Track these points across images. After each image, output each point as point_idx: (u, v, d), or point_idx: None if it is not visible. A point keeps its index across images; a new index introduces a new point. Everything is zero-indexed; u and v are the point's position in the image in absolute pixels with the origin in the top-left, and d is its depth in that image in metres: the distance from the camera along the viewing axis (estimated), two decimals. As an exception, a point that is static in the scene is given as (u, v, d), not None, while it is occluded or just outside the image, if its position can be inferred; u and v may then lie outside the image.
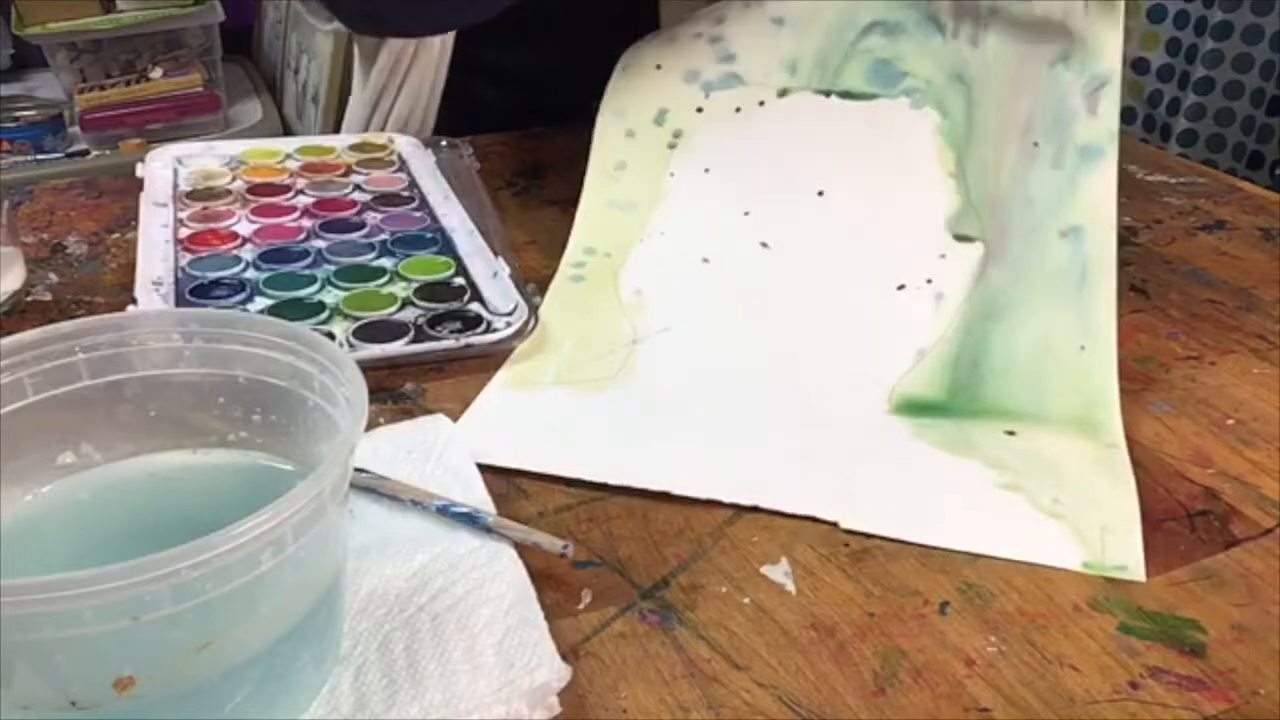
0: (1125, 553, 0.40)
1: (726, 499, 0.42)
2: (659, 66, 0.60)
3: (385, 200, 0.67)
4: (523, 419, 0.47)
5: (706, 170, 0.59)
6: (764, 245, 0.56)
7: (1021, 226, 0.50)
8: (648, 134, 0.60)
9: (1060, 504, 0.43)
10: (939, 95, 0.56)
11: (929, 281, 0.53)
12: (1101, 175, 0.49)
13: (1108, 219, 0.49)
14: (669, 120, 0.60)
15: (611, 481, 0.43)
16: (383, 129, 0.86)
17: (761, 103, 0.59)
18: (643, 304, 0.55)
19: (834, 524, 0.41)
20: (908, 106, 0.56)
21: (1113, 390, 0.47)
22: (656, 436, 0.47)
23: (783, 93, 0.58)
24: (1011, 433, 0.47)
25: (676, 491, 0.43)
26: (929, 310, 0.52)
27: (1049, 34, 0.51)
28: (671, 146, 0.59)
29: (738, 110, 0.59)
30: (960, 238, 0.53)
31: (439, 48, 0.83)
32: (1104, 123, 0.50)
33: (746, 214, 0.57)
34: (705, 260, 0.56)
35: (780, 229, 0.56)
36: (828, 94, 0.58)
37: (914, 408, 0.49)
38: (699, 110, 0.59)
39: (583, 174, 0.65)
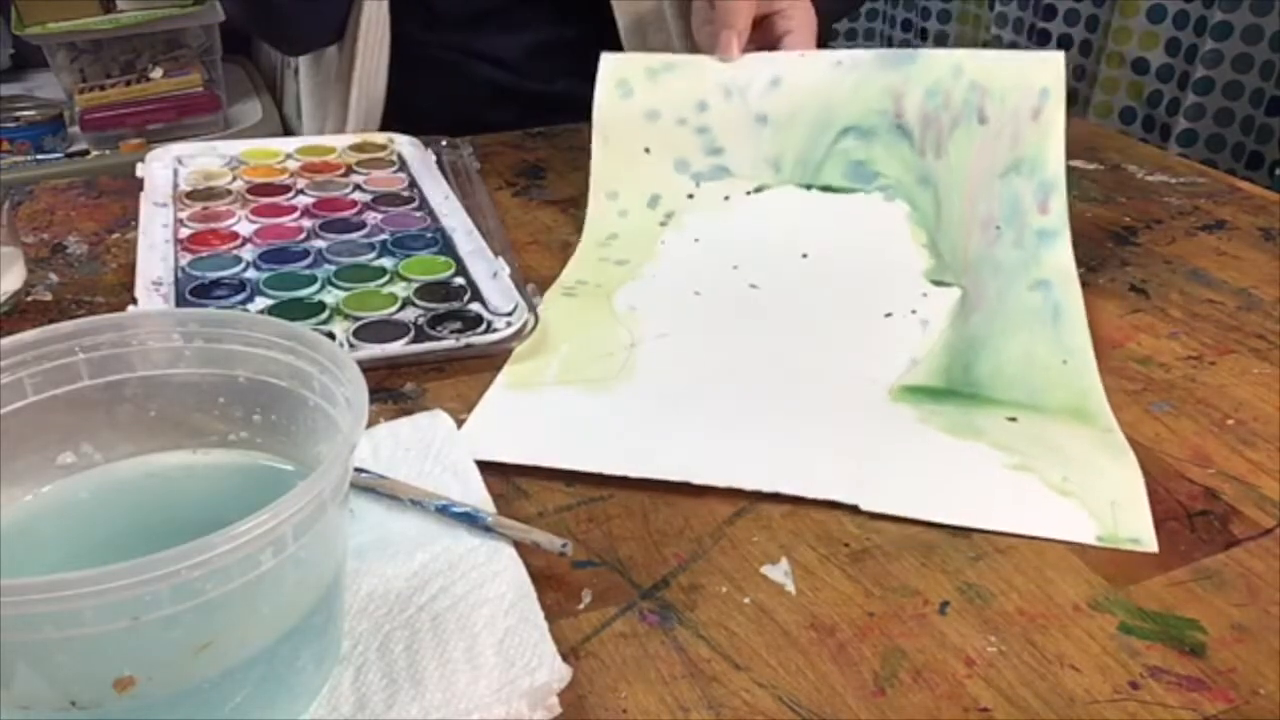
0: (1137, 526, 0.41)
1: (744, 487, 0.43)
2: (648, 150, 0.64)
3: (385, 200, 0.67)
4: (528, 418, 0.47)
5: (696, 240, 0.63)
6: (754, 286, 0.59)
7: (993, 283, 0.55)
8: (640, 214, 0.64)
9: (1070, 481, 0.43)
10: (909, 192, 0.62)
11: (914, 311, 0.56)
12: (1061, 248, 0.55)
13: (1071, 273, 0.54)
14: (661, 204, 0.64)
15: (628, 474, 0.43)
16: (343, 121, 0.87)
17: (748, 192, 0.64)
18: (637, 317, 0.56)
19: (854, 507, 0.42)
20: (881, 199, 0.62)
21: (1099, 391, 0.49)
22: (666, 429, 0.47)
23: (768, 186, 0.64)
24: (1013, 419, 0.48)
25: (695, 481, 0.43)
26: (917, 332, 0.55)
27: (1001, 147, 0.58)
28: (663, 224, 0.64)
29: (726, 198, 0.64)
30: (938, 283, 0.58)
31: (377, 48, 0.85)
32: (1056, 215, 0.56)
33: (735, 268, 0.61)
34: (696, 293, 0.59)
35: (768, 276, 0.60)
36: (809, 188, 0.64)
37: (915, 394, 0.50)
38: (690, 196, 0.64)
39: (583, 173, 0.65)
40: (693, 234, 0.63)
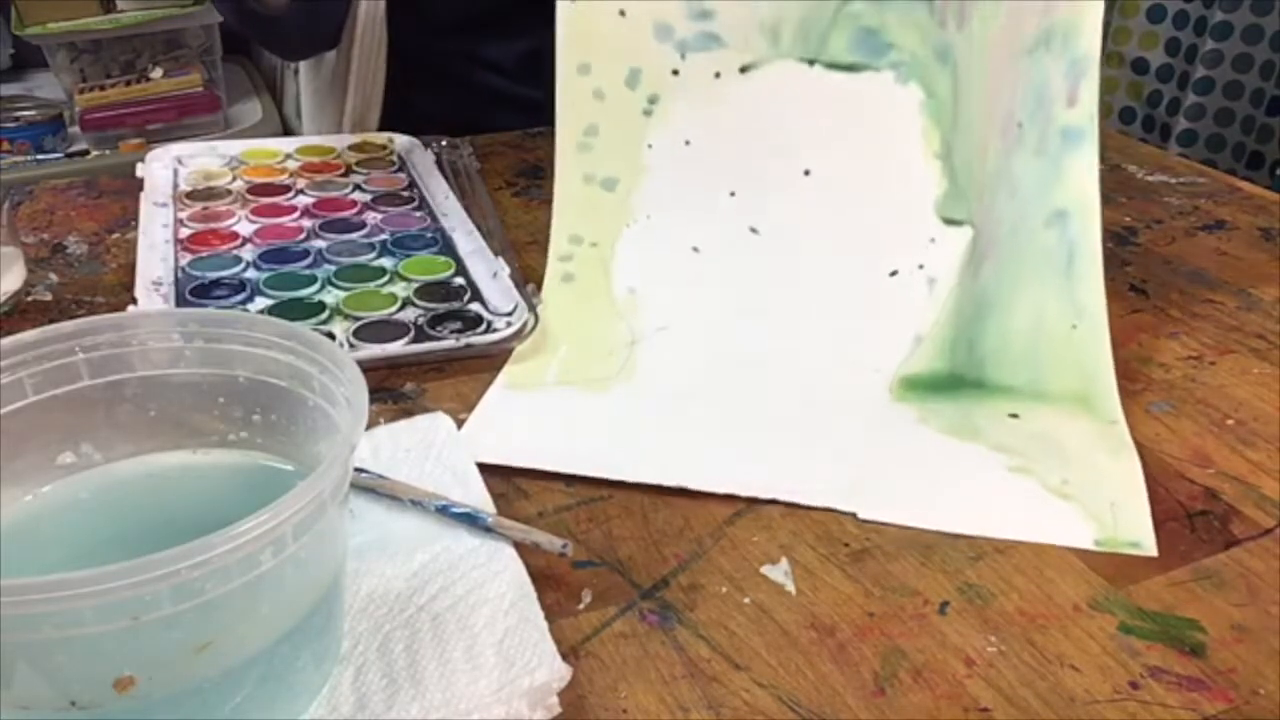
0: (1137, 528, 0.41)
1: (742, 493, 0.42)
2: (623, 13, 0.55)
3: (385, 200, 0.67)
4: (528, 419, 0.47)
5: (687, 143, 0.56)
6: (753, 230, 0.55)
7: (1007, 215, 0.50)
8: (619, 97, 0.56)
9: (1069, 484, 0.43)
10: (924, 72, 0.54)
11: (921, 267, 0.52)
12: (1084, 158, 0.49)
13: (1092, 202, 0.48)
14: (642, 83, 0.55)
15: (624, 479, 0.43)
16: (340, 125, 0.87)
17: (743, 69, 0.55)
18: (637, 303, 0.55)
19: (852, 514, 0.42)
20: (893, 81, 0.54)
21: (1107, 366, 0.48)
22: (664, 433, 0.46)
23: (765, 60, 0.55)
24: (1015, 415, 0.47)
25: (691, 487, 0.43)
26: (923, 295, 0.52)
27: (1031, 14, 0.50)
28: (647, 114, 0.56)
29: (717, 75, 0.55)
30: (949, 221, 0.53)
31: (374, 51, 0.85)
32: (1085, 108, 0.49)
33: (733, 194, 0.55)
34: (695, 250, 0.55)
35: (768, 212, 0.55)
36: (811, 63, 0.55)
37: (916, 388, 0.49)
38: (675, 73, 0.55)
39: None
40: (682, 134, 0.55)
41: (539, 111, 0.85)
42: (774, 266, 0.54)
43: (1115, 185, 0.73)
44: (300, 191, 0.68)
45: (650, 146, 0.56)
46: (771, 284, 0.54)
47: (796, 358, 0.51)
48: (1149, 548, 0.40)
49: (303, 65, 0.96)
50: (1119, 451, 0.45)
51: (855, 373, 0.50)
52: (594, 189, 0.56)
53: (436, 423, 0.45)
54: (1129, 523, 0.41)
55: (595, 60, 0.56)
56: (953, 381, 0.49)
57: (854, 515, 0.42)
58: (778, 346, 0.52)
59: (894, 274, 0.53)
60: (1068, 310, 0.48)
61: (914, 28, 0.53)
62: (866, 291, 0.53)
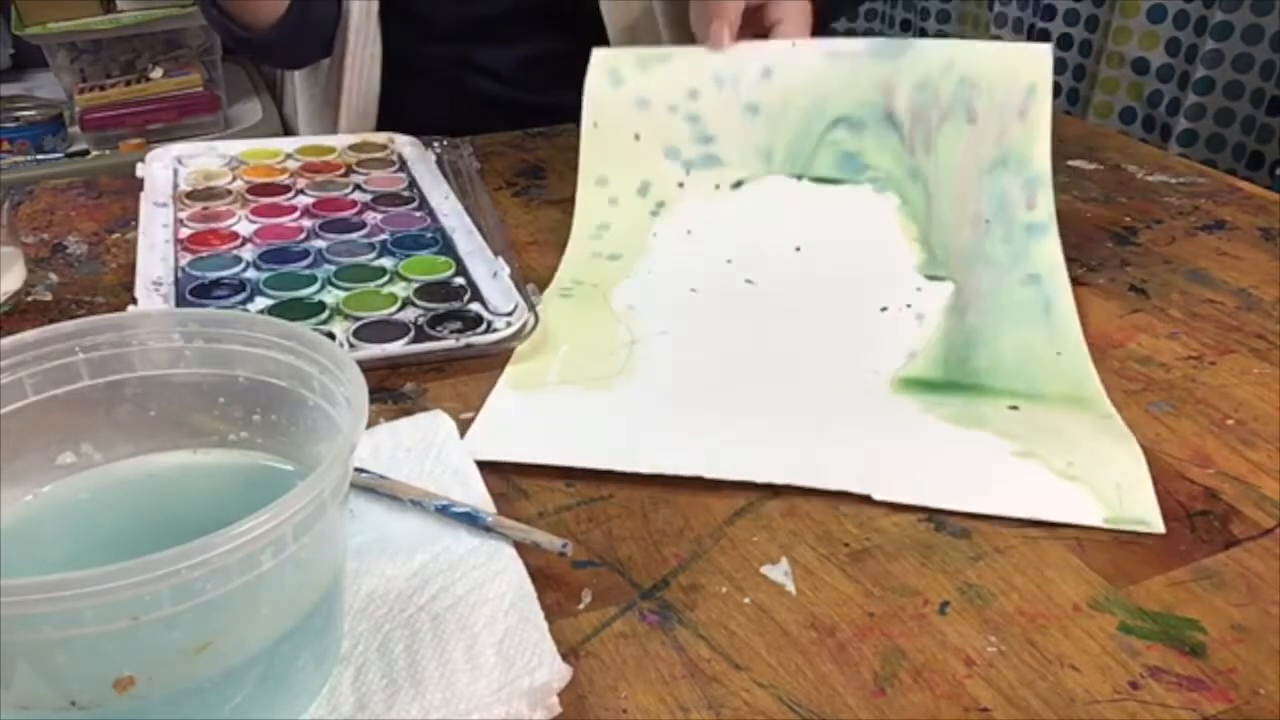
0: (1142, 507, 0.42)
1: (758, 479, 0.43)
2: (638, 137, 0.64)
3: (385, 200, 0.67)
4: (534, 418, 0.48)
5: (689, 232, 0.62)
6: (749, 282, 0.59)
7: (985, 279, 0.56)
8: (631, 202, 0.64)
9: (1074, 466, 0.44)
10: (899, 185, 0.62)
11: (909, 305, 0.57)
12: (1049, 242, 0.56)
13: (1059, 267, 0.55)
14: (652, 192, 0.64)
15: (638, 470, 0.43)
16: (334, 117, 0.87)
17: (738, 183, 0.64)
18: (636, 316, 0.56)
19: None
20: (871, 191, 0.62)
21: (1094, 380, 0.50)
22: (672, 425, 0.47)
23: (758, 176, 0.64)
24: (1015, 407, 0.48)
25: (706, 475, 0.43)
26: (913, 326, 0.55)
27: (987, 144, 0.59)
28: (654, 214, 0.63)
29: (716, 187, 0.64)
30: (931, 278, 0.58)
31: (368, 57, 0.85)
32: (1043, 209, 0.57)
33: (729, 261, 0.60)
34: (693, 290, 0.59)
35: (763, 271, 0.60)
36: (800, 178, 0.63)
37: (914, 387, 0.50)
38: (680, 185, 0.64)
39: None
40: (684, 225, 0.62)
41: (535, 117, 0.85)
42: (769, 307, 0.58)
43: (1115, 185, 0.73)
44: (300, 191, 0.68)
45: (655, 234, 0.63)
46: (768, 317, 0.56)
47: (795, 361, 0.53)
48: (1156, 524, 0.41)
49: (298, 71, 0.96)
50: (1120, 439, 0.46)
51: (855, 373, 0.51)
52: (600, 260, 0.61)
53: (437, 422, 0.45)
54: (1135, 502, 0.42)
55: (612, 174, 0.64)
56: (950, 385, 0.51)
57: (856, 509, 0.42)
58: (778, 347, 0.53)
59: (884, 310, 0.56)
60: (1050, 343, 0.52)
61: (888, 152, 0.62)
62: (858, 323, 0.56)
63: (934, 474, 0.44)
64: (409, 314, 0.54)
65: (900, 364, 0.52)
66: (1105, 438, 0.46)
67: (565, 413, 0.48)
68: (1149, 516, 0.41)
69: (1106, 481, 0.43)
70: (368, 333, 0.52)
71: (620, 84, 0.64)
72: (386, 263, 0.59)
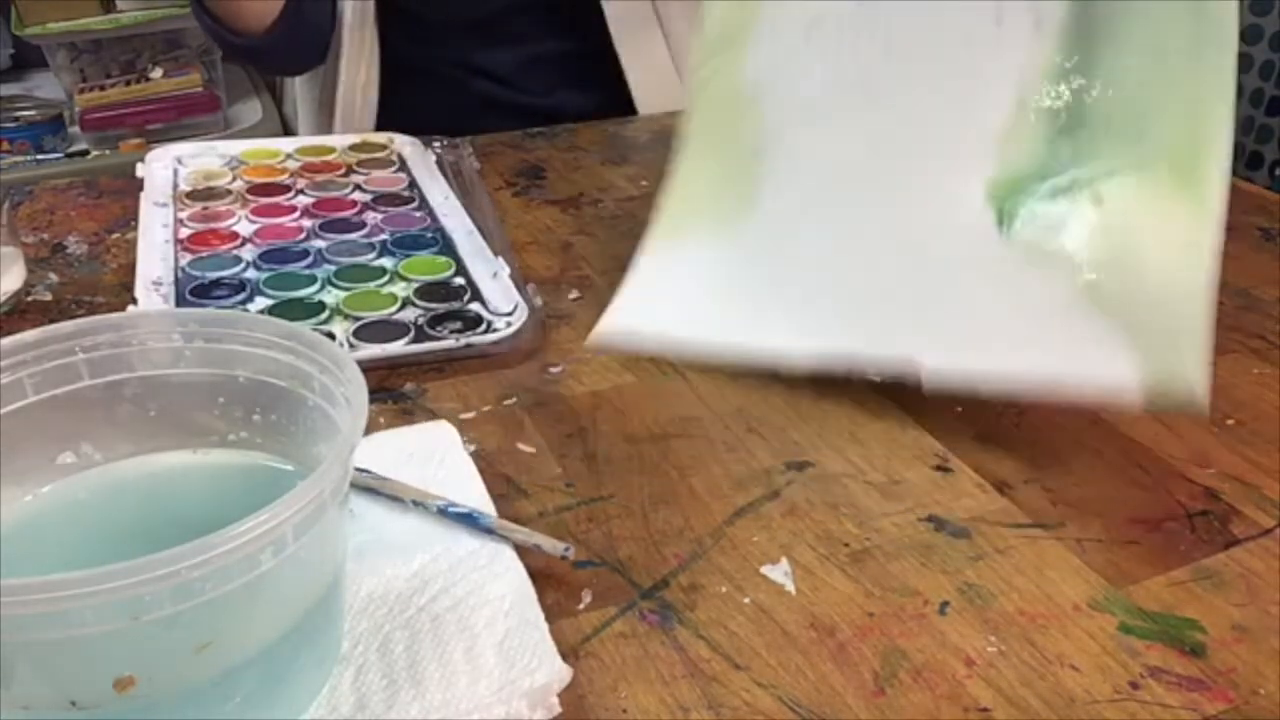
0: (1191, 369, 0.42)
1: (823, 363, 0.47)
2: None
3: (385, 200, 0.67)
4: (671, 298, 0.51)
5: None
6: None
7: None
8: None
9: (1133, 309, 0.44)
10: None
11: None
12: None
13: None
14: None
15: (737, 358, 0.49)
16: (330, 119, 0.87)
17: None
18: (765, 96, 0.54)
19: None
20: None
21: (1226, 108, 0.46)
22: (772, 297, 0.50)
23: None
24: (1100, 202, 0.47)
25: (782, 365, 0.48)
26: (1025, 40, 0.50)
27: None
28: None
29: None
30: None
31: (364, 57, 0.85)
32: None
33: None
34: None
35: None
36: None
37: (1008, 189, 0.49)
38: None
39: (583, 172, 0.65)
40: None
41: (534, 117, 0.85)
42: (885, 29, 0.53)
43: (1115, 185, 0.73)
44: (300, 191, 0.68)
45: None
46: (884, 47, 0.53)
47: (904, 157, 0.51)
48: (1202, 396, 0.41)
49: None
50: (1195, 272, 0.44)
51: (952, 170, 0.50)
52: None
53: (440, 429, 0.45)
54: (1185, 362, 0.42)
55: None
56: (1044, 174, 0.48)
57: (855, 509, 0.42)
58: (886, 147, 0.52)
59: (999, 24, 0.51)
60: (1191, 32, 0.46)
61: None
62: (970, 45, 0.51)
63: (987, 334, 0.45)
64: (409, 314, 0.54)
65: (1006, 117, 0.49)
66: (1182, 274, 0.44)
67: (700, 284, 0.51)
68: (1195, 383, 0.41)
69: (1162, 334, 0.42)
70: (368, 333, 0.52)
71: None
72: (386, 263, 0.59)
